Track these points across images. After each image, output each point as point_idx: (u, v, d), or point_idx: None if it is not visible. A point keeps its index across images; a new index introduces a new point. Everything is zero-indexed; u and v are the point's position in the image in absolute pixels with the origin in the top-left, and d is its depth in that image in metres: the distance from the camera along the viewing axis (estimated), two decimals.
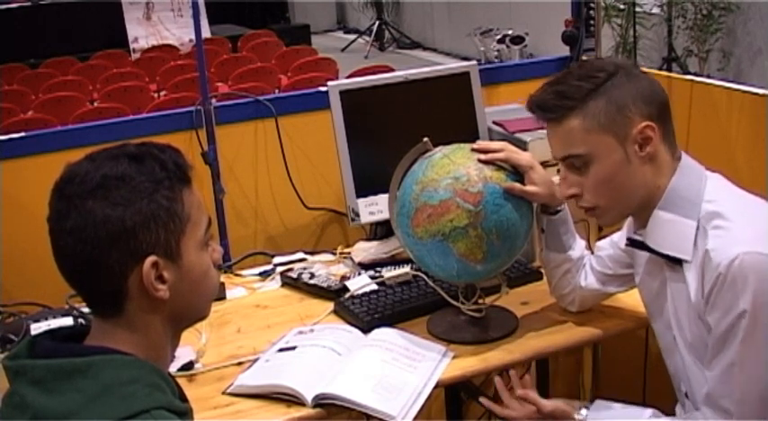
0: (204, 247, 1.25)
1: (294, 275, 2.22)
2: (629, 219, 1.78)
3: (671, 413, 1.77)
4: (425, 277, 2.01)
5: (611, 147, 1.56)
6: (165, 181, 1.18)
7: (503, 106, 2.50)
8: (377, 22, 11.69)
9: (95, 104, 6.52)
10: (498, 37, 8.52)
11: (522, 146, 2.13)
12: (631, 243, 1.70)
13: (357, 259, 2.27)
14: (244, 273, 2.32)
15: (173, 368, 1.80)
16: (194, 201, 1.23)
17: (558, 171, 2.16)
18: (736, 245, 1.47)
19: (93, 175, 1.16)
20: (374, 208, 2.22)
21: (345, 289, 2.10)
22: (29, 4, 9.79)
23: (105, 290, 1.17)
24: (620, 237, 1.85)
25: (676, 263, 1.58)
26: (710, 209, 1.54)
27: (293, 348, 1.83)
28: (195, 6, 2.70)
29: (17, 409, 1.12)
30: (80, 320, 1.90)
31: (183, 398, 1.24)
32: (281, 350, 1.84)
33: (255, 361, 1.84)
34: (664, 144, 1.58)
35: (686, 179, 1.58)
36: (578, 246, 1.91)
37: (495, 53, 8.50)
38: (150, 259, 1.16)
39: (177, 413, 1.15)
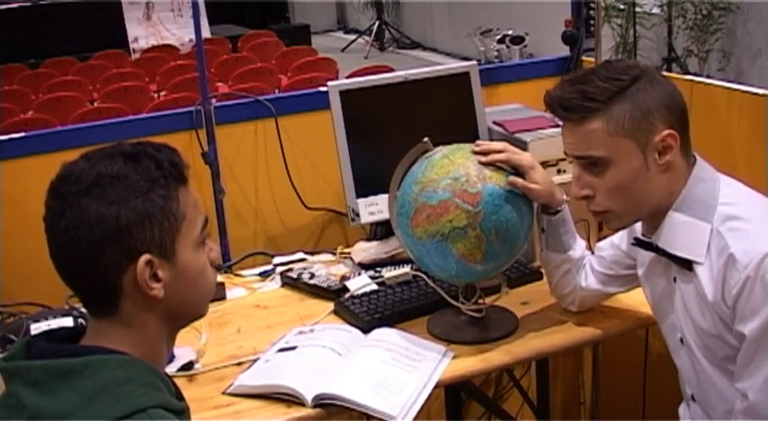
0: (200, 246, 1.24)
1: (294, 275, 2.22)
2: None
3: (672, 414, 1.77)
4: (425, 277, 2.00)
5: (631, 153, 1.54)
6: (161, 179, 1.18)
7: (503, 106, 2.50)
8: (377, 23, 11.69)
9: (95, 104, 6.52)
10: (498, 37, 8.52)
11: (523, 146, 2.13)
12: (638, 243, 1.69)
13: (357, 259, 2.27)
14: (244, 273, 2.32)
15: (173, 368, 1.80)
16: (190, 199, 1.22)
17: (558, 171, 2.17)
18: (762, 244, 1.46)
19: (88, 174, 1.15)
20: (374, 208, 2.22)
21: (345, 289, 2.10)
22: (29, 4, 9.79)
23: (100, 288, 1.17)
24: (620, 239, 1.85)
25: (686, 264, 1.57)
26: (726, 211, 1.53)
27: (293, 348, 1.83)
28: (195, 6, 2.70)
29: (14, 411, 1.12)
30: (80, 320, 1.90)
31: (180, 397, 1.24)
32: (280, 350, 1.84)
33: (255, 361, 1.84)
34: (681, 152, 1.56)
35: (701, 183, 1.57)
36: (578, 247, 1.90)
37: (495, 53, 8.51)
38: (144, 258, 1.16)
39: (174, 412, 1.15)
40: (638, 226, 1.71)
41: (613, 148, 1.54)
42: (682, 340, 1.64)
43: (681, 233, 1.57)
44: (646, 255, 1.72)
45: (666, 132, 1.53)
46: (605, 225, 1.70)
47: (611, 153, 1.55)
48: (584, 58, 2.72)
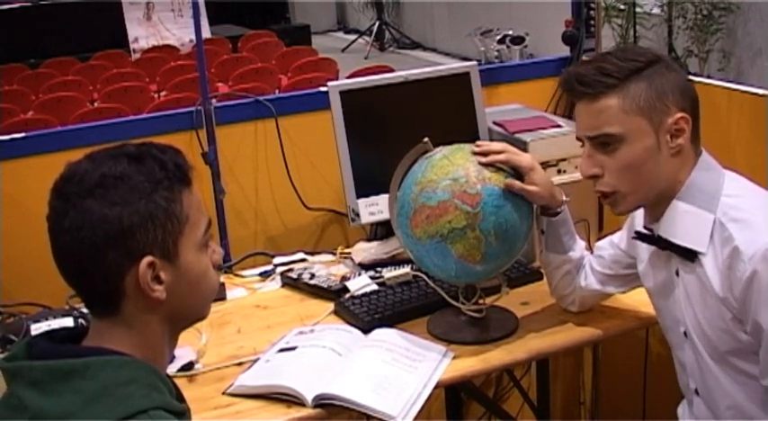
0: (203, 249, 1.24)
1: (294, 276, 2.22)
2: (632, 215, 1.77)
3: (672, 414, 1.77)
4: (426, 277, 2.00)
5: (644, 132, 1.55)
6: (165, 181, 1.18)
7: (503, 106, 2.50)
8: (377, 23, 11.69)
9: (96, 105, 6.52)
10: (498, 37, 8.53)
11: (523, 146, 2.13)
12: (639, 236, 1.69)
13: (357, 259, 2.27)
14: (244, 273, 2.32)
15: (173, 368, 1.80)
16: (194, 202, 1.22)
17: (558, 171, 2.17)
18: (766, 235, 1.46)
19: (91, 175, 1.16)
20: (374, 208, 2.22)
21: (346, 289, 2.10)
22: (29, 4, 9.79)
23: (101, 289, 1.17)
24: (619, 238, 1.85)
25: (689, 255, 1.57)
26: (729, 203, 1.54)
27: (293, 348, 1.83)
28: (195, 6, 2.70)
29: (15, 411, 1.12)
30: (81, 321, 1.90)
31: (181, 399, 1.24)
32: (281, 350, 1.85)
33: (256, 361, 1.84)
34: (691, 140, 1.58)
35: (706, 173, 1.58)
36: (578, 247, 1.90)
37: (496, 53, 8.51)
38: (147, 259, 1.16)
39: (175, 413, 1.15)
40: (639, 221, 1.71)
41: (627, 126, 1.55)
42: (686, 333, 1.64)
43: (683, 222, 1.57)
44: (645, 251, 1.72)
45: (680, 115, 1.55)
46: (611, 208, 1.69)
47: (625, 130, 1.55)
48: (584, 58, 2.72)
